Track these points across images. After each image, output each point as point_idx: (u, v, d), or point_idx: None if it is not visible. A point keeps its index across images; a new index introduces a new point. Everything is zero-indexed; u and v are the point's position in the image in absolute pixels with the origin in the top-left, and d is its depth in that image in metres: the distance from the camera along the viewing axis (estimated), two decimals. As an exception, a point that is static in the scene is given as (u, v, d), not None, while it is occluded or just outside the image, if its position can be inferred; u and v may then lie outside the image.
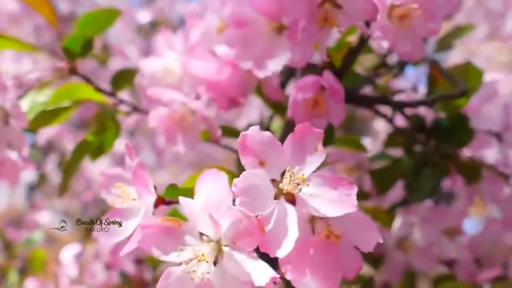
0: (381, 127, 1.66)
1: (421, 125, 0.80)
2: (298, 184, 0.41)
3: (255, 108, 1.35)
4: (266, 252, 0.40)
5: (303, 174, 0.41)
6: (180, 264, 0.40)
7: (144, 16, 1.82)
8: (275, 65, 0.58)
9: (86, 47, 0.71)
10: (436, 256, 0.82)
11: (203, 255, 0.40)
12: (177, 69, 0.72)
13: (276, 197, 0.42)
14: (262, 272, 0.38)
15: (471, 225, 1.09)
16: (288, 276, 0.42)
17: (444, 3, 0.56)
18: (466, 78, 0.74)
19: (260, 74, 0.59)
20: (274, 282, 0.38)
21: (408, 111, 0.78)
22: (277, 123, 0.81)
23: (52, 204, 2.22)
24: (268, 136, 0.42)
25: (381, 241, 0.42)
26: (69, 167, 0.75)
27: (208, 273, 0.40)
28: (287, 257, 0.40)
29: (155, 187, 0.46)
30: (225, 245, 0.40)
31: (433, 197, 0.83)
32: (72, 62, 0.71)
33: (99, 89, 0.73)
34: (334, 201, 0.40)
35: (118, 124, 0.76)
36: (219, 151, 1.43)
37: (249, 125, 0.44)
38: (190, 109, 0.67)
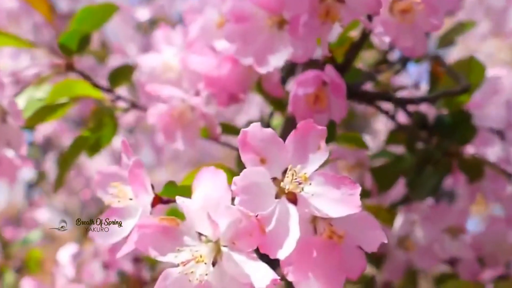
0: (380, 125, 1.65)
1: (423, 122, 0.79)
2: (300, 183, 0.40)
3: (255, 105, 1.34)
4: (266, 253, 0.39)
5: (305, 173, 0.40)
6: (178, 265, 0.39)
7: (143, 14, 1.82)
8: (276, 61, 0.57)
9: (83, 43, 0.70)
10: (438, 254, 0.81)
11: (201, 256, 0.39)
12: (176, 65, 0.71)
13: (277, 196, 0.41)
14: (262, 274, 0.37)
15: (471, 224, 1.08)
16: (290, 278, 0.41)
17: (448, -2, 0.55)
18: (469, 74, 0.74)
19: (262, 70, 0.57)
20: (275, 284, 0.37)
21: (410, 107, 0.77)
22: (278, 120, 0.80)
23: (51, 202, 2.21)
24: (269, 133, 0.41)
25: (386, 241, 0.41)
26: (65, 163, 0.74)
27: (206, 274, 0.38)
28: (289, 258, 0.39)
29: (152, 186, 0.45)
30: (224, 246, 0.39)
31: (434, 195, 0.83)
32: (69, 58, 0.70)
33: (96, 86, 0.72)
34: (337, 201, 0.39)
35: (115, 121, 0.75)
36: (219, 149, 1.43)
37: (249, 122, 0.42)
38: (190, 106, 0.66)
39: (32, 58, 1.04)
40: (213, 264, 0.39)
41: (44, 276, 1.42)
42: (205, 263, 0.38)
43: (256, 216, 0.39)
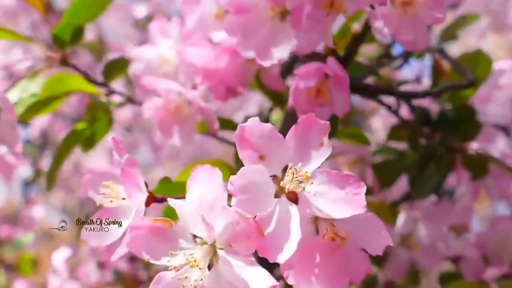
0: (378, 124, 1.64)
1: (426, 117, 0.77)
2: (301, 182, 0.38)
3: (254, 103, 1.33)
4: (265, 257, 0.37)
5: (306, 171, 0.38)
6: (171, 269, 0.37)
7: (141, 11, 1.81)
8: (280, 53, 0.55)
9: (77, 35, 0.68)
10: (441, 253, 0.80)
11: (195, 260, 0.37)
12: (172, 57, 0.69)
13: (276, 196, 0.39)
14: (260, 279, 0.35)
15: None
16: (290, 281, 0.39)
17: (450, -10, 0.53)
18: (475, 67, 0.72)
19: (265, 63, 0.56)
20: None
21: (413, 103, 0.75)
22: (277, 116, 0.78)
23: (48, 201, 2.20)
24: (269, 128, 0.39)
25: (391, 244, 0.39)
26: (59, 157, 0.72)
27: (201, 280, 0.36)
28: (289, 260, 0.37)
29: (146, 184, 0.43)
30: (220, 248, 0.37)
31: (437, 193, 0.81)
32: (62, 51, 0.68)
33: (90, 80, 0.70)
34: (341, 201, 0.38)
35: (110, 115, 0.73)
36: (218, 147, 1.41)
37: (247, 117, 0.40)
38: (186, 100, 0.64)
39: (25, 52, 1.02)
40: (209, 267, 0.38)
41: (39, 276, 1.41)
42: (200, 268, 0.36)
43: (255, 217, 0.37)
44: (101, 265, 1.13)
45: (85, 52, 1.42)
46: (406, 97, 0.72)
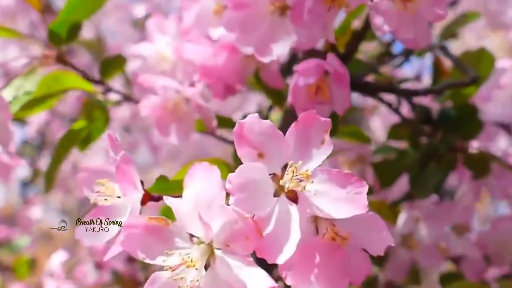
0: (377, 124, 1.63)
1: (427, 115, 0.77)
2: (301, 181, 0.37)
3: (253, 104, 1.32)
4: (264, 258, 0.36)
5: (307, 170, 0.37)
6: (167, 269, 0.36)
7: (140, 10, 1.80)
8: (279, 49, 0.54)
9: (73, 32, 0.67)
10: (443, 253, 0.79)
11: (192, 260, 0.36)
12: (170, 54, 0.69)
13: (276, 195, 0.38)
14: (258, 280, 0.34)
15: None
16: (289, 282, 0.38)
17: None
18: (478, 65, 0.71)
19: (264, 60, 0.54)
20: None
21: (415, 100, 0.75)
22: (277, 115, 0.77)
23: (47, 201, 2.19)
24: (268, 125, 0.38)
25: (393, 244, 0.38)
26: (56, 159, 0.71)
27: (198, 280, 0.35)
28: (288, 261, 0.36)
29: (142, 182, 0.42)
30: (218, 248, 0.36)
31: (437, 193, 0.80)
32: (58, 48, 0.67)
33: (87, 78, 0.69)
34: (342, 201, 0.37)
35: (107, 114, 0.72)
36: (217, 148, 1.41)
37: (245, 115, 0.39)
38: (184, 97, 0.63)
39: (22, 50, 1.01)
40: (206, 267, 0.37)
41: (37, 277, 1.40)
42: (196, 269, 0.35)
43: (253, 216, 0.36)
44: (99, 266, 1.12)
45: (84, 51, 1.41)
46: (407, 94, 0.71)
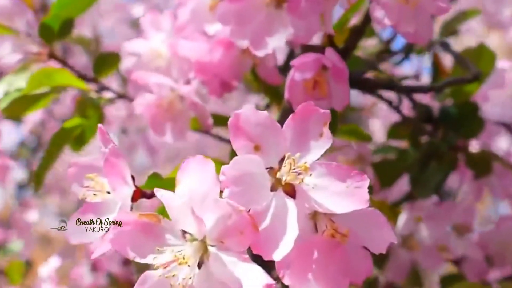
0: (377, 124, 1.62)
1: (427, 114, 0.76)
2: (299, 174, 0.36)
3: (251, 104, 1.31)
4: (260, 254, 0.34)
5: (305, 162, 0.36)
6: (158, 267, 0.34)
7: (138, 11, 1.80)
8: (275, 42, 0.53)
9: (65, 28, 0.66)
10: (443, 254, 0.78)
11: (184, 257, 0.34)
12: (165, 52, 0.67)
13: (272, 188, 0.37)
14: (254, 277, 0.33)
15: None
16: (286, 281, 0.37)
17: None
18: (478, 63, 0.70)
19: (259, 53, 0.53)
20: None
21: (415, 99, 0.73)
22: (275, 115, 0.76)
23: (44, 203, 2.18)
24: (265, 117, 0.37)
25: (395, 241, 0.36)
26: (47, 157, 0.69)
27: (190, 278, 0.34)
28: (286, 259, 0.35)
29: (133, 178, 0.40)
30: (211, 245, 0.35)
31: (438, 193, 0.79)
32: (50, 44, 0.66)
33: (80, 75, 0.68)
34: (341, 195, 0.35)
35: (101, 112, 0.70)
36: (216, 149, 1.40)
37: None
38: (179, 95, 0.62)
39: (15, 47, 1.00)
40: (200, 265, 0.35)
41: (34, 280, 1.38)
42: (189, 266, 0.34)
43: (248, 211, 0.34)
44: (95, 268, 1.11)
45: (81, 52, 1.40)
46: (408, 91, 0.70)
